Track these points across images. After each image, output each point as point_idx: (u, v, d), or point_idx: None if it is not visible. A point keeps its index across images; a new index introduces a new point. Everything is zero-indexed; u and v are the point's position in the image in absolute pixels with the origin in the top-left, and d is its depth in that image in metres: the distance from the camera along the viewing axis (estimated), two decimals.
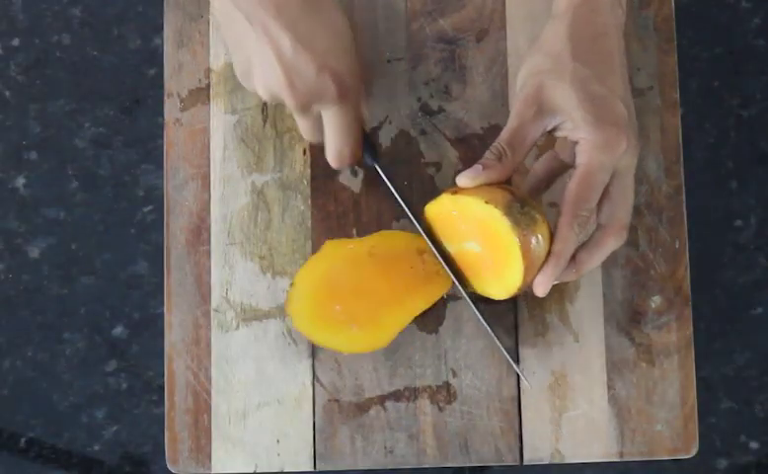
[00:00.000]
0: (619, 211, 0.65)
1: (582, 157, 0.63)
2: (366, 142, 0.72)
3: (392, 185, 0.71)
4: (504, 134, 0.65)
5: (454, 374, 0.73)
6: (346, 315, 0.72)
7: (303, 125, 0.68)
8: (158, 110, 0.78)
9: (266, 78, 0.61)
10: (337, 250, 0.73)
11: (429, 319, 0.74)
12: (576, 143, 0.64)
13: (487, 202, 0.64)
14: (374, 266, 0.72)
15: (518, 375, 0.73)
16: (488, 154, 0.65)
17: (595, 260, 0.66)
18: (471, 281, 0.71)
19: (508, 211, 0.64)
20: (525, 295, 0.74)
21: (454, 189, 0.67)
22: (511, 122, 0.65)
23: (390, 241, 0.73)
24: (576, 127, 0.63)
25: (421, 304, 0.72)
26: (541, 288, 0.64)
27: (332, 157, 0.68)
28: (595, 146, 0.62)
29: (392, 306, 0.72)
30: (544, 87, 0.63)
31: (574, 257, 0.66)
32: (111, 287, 0.75)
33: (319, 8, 0.61)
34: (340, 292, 0.72)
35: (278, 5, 0.59)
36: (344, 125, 0.65)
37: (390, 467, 0.74)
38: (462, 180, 0.66)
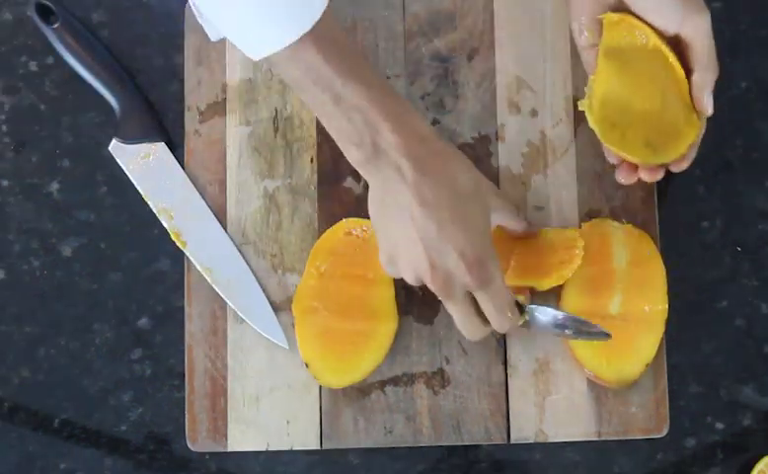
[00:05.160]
0: None
1: None
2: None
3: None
4: None
5: (448, 361, 0.75)
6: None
7: (455, 315, 0.67)
8: (179, 122, 0.78)
9: (411, 261, 0.63)
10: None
11: (425, 311, 0.76)
12: None
13: None
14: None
15: (506, 363, 0.74)
16: None
17: None
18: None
19: None
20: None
21: None
22: None
23: None
24: None
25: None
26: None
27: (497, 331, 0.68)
28: None
29: None
30: None
31: None
32: (136, 283, 0.76)
33: (465, 200, 0.63)
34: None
35: (428, 198, 0.62)
36: (494, 308, 0.65)
37: (389, 446, 0.75)
38: None
